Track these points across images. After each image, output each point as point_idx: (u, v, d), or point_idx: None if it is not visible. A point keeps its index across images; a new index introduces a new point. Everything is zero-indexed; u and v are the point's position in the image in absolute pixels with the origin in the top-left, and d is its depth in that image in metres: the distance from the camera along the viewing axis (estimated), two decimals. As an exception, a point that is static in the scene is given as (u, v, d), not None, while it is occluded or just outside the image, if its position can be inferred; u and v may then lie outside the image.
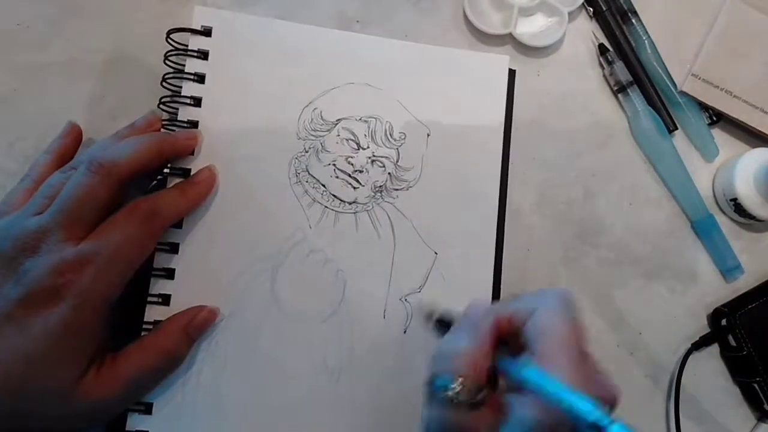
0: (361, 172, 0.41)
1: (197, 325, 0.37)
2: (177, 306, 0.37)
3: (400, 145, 0.41)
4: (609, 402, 0.29)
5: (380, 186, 0.41)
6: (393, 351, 0.39)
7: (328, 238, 0.40)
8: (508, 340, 0.31)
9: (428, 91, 0.42)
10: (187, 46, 0.40)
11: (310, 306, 0.39)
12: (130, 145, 0.35)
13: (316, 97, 0.41)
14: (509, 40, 0.45)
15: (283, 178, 0.40)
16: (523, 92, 0.43)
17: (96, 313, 0.32)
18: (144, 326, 0.37)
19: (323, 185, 0.40)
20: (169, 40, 0.39)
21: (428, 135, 0.41)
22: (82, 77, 0.42)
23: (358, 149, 0.41)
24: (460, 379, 0.28)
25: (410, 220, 0.41)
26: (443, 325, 0.35)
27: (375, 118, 0.41)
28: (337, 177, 0.40)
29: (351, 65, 0.41)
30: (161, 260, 0.38)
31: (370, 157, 0.41)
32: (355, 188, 0.41)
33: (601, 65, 0.46)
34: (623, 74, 0.45)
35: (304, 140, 0.40)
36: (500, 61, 0.43)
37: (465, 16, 0.45)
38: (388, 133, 0.41)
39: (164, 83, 0.39)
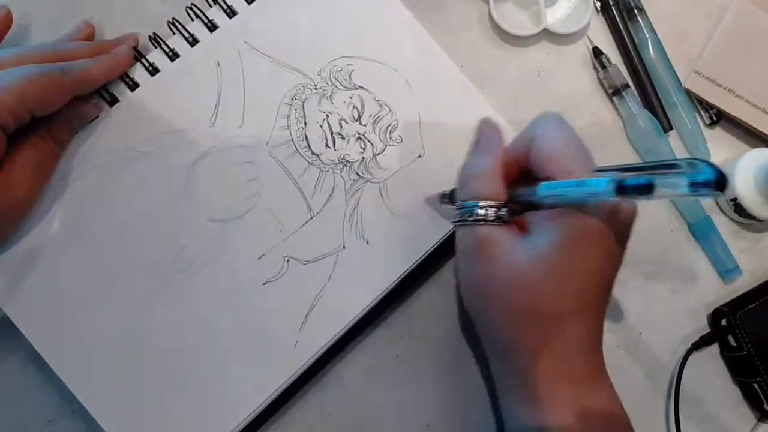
0: (342, 138, 0.41)
1: (81, 115, 0.38)
2: None
3: (390, 145, 0.41)
4: None
5: (347, 162, 0.41)
6: (243, 290, 0.39)
7: (273, 164, 0.40)
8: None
9: (448, 126, 0.42)
10: None
11: (209, 204, 0.39)
12: (9, 75, 0.34)
13: (360, 57, 0.42)
14: (543, 35, 0.46)
15: (281, 90, 0.41)
16: (523, 92, 0.43)
17: None
18: None
19: (305, 124, 0.41)
20: None
21: (419, 156, 0.41)
22: (82, 77, 0.42)
23: (356, 121, 0.41)
24: (482, 202, 0.32)
25: (345, 206, 0.40)
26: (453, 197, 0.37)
27: (390, 109, 0.42)
28: (320, 126, 0.41)
29: (406, 60, 0.42)
30: None
31: (360, 133, 0.41)
32: (327, 146, 0.41)
33: (595, 68, 0.46)
34: (618, 77, 0.45)
35: (321, 78, 0.41)
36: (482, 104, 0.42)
37: (492, 21, 0.45)
38: (390, 129, 0.41)
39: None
